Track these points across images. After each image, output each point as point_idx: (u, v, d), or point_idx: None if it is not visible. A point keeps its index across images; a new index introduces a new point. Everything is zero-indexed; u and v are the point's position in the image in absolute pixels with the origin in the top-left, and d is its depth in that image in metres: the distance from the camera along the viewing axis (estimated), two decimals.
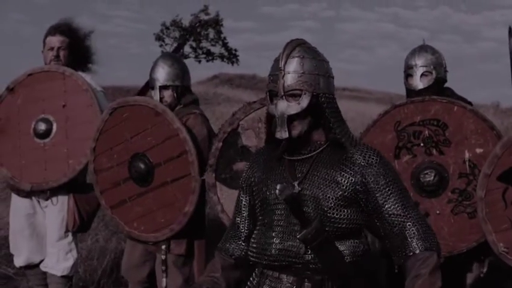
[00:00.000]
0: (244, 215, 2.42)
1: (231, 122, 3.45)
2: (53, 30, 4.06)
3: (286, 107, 2.18)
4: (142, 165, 3.54)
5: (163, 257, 3.63)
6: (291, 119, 2.19)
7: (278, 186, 2.15)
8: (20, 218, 4.04)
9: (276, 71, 2.21)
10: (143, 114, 3.54)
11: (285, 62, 2.19)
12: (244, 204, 2.42)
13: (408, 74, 3.80)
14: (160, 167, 3.51)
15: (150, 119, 3.52)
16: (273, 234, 2.22)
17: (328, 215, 2.17)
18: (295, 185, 2.20)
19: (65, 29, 4.08)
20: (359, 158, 2.21)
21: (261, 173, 2.33)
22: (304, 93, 2.18)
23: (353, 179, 2.18)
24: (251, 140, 3.42)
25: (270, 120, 2.27)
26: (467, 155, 3.20)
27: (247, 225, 2.41)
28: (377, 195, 2.17)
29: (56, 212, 3.93)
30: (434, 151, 3.26)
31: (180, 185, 3.48)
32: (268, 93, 2.25)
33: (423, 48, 3.82)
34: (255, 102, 3.42)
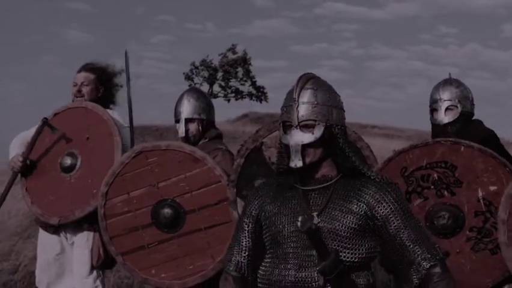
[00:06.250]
0: (245, 254, 2.38)
1: (254, 139, 3.41)
2: (81, 68, 4.18)
3: (300, 137, 2.21)
4: (170, 211, 3.46)
5: None
6: (305, 149, 2.21)
7: (300, 218, 2.11)
8: (48, 255, 4.07)
9: (290, 102, 2.24)
10: (177, 160, 3.46)
11: (299, 94, 2.22)
12: (247, 246, 2.38)
13: (433, 109, 3.73)
14: (193, 213, 3.45)
15: (185, 165, 3.45)
16: (288, 266, 2.22)
17: (345, 245, 2.18)
18: (315, 215, 2.20)
19: (91, 66, 4.18)
20: (374, 187, 2.23)
21: (272, 206, 2.32)
22: (318, 124, 2.21)
23: (366, 207, 2.20)
24: (274, 158, 3.37)
25: (282, 151, 2.29)
26: (480, 193, 3.14)
27: (249, 266, 2.38)
28: (390, 226, 2.20)
29: (82, 248, 3.95)
30: (446, 192, 3.19)
31: (216, 232, 3.42)
32: (281, 125, 2.28)
33: (447, 82, 3.75)
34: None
